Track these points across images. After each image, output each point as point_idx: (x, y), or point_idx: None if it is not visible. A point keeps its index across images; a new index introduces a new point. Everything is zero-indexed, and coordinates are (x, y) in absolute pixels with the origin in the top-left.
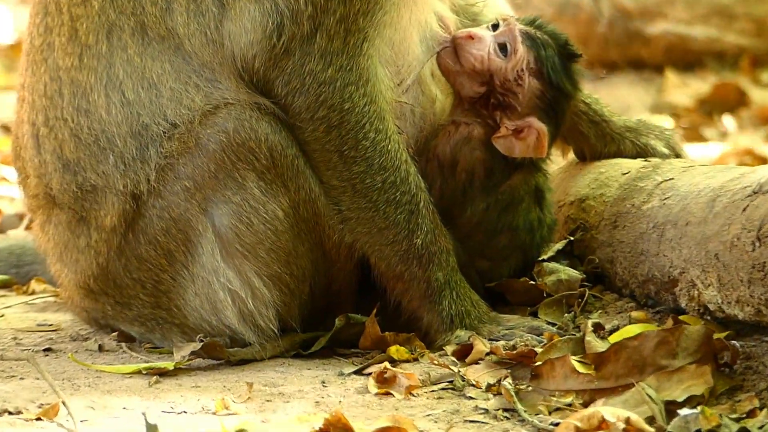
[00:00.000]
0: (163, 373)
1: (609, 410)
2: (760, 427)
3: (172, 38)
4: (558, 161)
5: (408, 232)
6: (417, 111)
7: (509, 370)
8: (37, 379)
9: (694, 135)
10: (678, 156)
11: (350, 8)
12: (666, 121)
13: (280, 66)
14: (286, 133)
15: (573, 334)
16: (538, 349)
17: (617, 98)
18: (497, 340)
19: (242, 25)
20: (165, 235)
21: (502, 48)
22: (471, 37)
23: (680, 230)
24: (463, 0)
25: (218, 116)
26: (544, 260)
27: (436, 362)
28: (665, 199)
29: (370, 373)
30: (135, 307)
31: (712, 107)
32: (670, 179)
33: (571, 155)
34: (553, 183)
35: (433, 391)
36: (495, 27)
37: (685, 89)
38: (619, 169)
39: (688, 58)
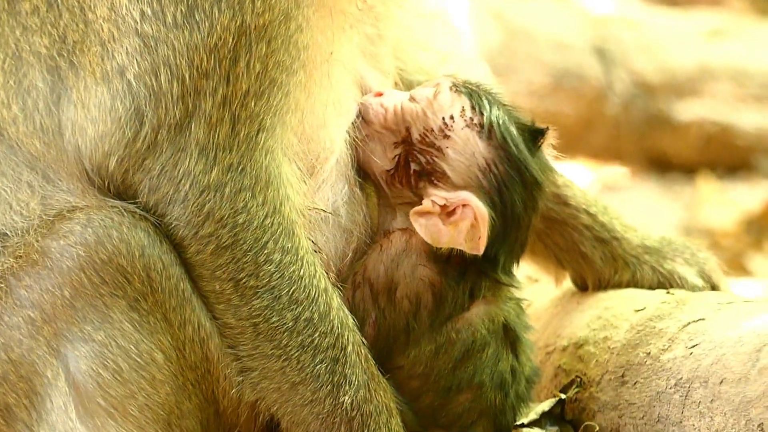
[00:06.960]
0: None
1: None
2: None
3: None
4: (545, 289)
5: (332, 387)
6: (340, 220)
7: None
8: None
9: (735, 265)
10: (714, 288)
11: (235, 88)
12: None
13: (144, 167)
14: (167, 245)
15: None
16: None
17: (630, 210)
18: None
19: (88, 113)
20: (0, 383)
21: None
22: (379, 93)
23: (712, 390)
24: (417, 70)
25: (75, 222)
26: (523, 425)
27: None
28: (693, 347)
29: None
30: None
31: (761, 228)
32: (701, 320)
33: (567, 283)
34: (541, 321)
35: None
36: None
37: (725, 203)
38: (630, 304)
39: (731, 157)
